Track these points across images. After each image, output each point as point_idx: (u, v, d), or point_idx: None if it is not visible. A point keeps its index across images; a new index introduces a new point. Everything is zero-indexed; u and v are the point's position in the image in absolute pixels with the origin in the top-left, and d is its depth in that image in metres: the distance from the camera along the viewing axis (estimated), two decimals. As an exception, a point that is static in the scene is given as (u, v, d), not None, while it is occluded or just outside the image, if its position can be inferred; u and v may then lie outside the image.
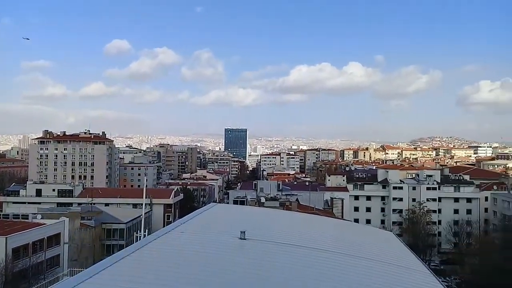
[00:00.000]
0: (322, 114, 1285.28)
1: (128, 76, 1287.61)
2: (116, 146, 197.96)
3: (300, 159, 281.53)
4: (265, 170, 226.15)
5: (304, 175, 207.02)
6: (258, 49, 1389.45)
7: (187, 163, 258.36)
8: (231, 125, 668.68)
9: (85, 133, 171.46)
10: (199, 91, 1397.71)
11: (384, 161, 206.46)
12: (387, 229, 69.51)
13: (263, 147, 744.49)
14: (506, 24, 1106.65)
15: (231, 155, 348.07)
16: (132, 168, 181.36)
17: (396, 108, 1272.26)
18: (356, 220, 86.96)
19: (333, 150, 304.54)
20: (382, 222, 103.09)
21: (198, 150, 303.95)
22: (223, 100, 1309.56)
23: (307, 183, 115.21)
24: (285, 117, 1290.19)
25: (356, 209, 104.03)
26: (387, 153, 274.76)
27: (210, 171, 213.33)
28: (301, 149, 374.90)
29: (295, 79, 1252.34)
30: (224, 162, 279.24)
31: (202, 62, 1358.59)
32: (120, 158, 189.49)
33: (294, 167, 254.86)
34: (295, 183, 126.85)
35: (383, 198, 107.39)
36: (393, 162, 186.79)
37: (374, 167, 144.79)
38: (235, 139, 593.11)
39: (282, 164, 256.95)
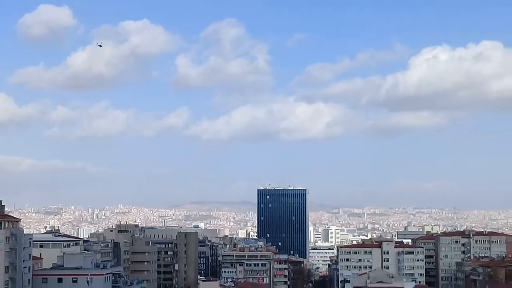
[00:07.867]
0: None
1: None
2: (27, 230, 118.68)
3: (428, 256, 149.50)
4: (348, 281, 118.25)
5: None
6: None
7: (177, 265, 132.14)
8: (271, 181, 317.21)
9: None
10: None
11: None
12: None
13: (341, 228, 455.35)
14: None
15: (273, 247, 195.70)
16: (60, 281, 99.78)
17: None
18: None
19: (503, 234, 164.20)
20: None
21: (200, 236, 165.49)
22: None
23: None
24: (390, 165, 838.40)
25: None
26: None
27: (228, 283, 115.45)
28: (428, 233, 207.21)
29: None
30: (257, 264, 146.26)
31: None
32: (35, 256, 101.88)
33: (413, 272, 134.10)
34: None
35: None
36: None
37: None
38: (281, 213, 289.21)
39: (387, 267, 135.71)
